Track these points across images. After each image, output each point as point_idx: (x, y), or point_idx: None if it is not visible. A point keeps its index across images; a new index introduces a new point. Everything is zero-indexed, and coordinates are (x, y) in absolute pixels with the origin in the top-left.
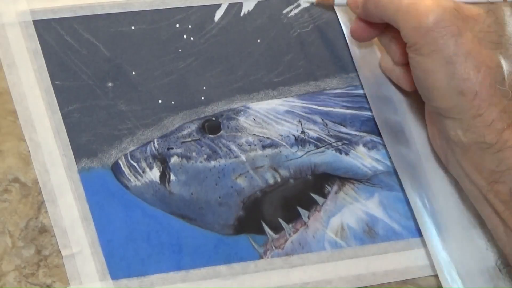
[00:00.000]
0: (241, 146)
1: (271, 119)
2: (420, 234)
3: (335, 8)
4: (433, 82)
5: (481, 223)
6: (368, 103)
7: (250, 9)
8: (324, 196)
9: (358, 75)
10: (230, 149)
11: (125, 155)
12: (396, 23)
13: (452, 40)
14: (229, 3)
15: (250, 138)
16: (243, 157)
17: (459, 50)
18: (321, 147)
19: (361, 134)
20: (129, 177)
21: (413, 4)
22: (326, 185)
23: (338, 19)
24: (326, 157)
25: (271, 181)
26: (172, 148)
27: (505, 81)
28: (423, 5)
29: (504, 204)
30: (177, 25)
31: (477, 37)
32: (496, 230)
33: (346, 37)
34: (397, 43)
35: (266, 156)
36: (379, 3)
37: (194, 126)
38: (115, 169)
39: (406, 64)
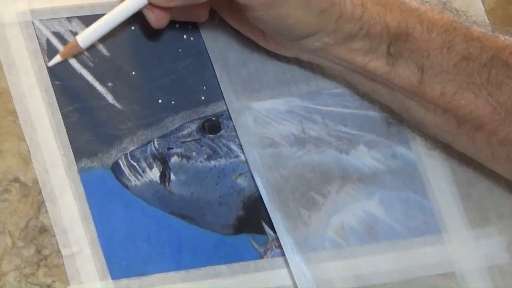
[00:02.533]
0: (241, 145)
1: (272, 118)
2: (420, 233)
3: (203, 38)
4: (294, 20)
5: (482, 223)
6: (369, 102)
7: None
8: (325, 195)
9: None
10: (230, 149)
11: (125, 155)
12: None
13: None
14: None
15: (250, 138)
16: (243, 157)
17: None
18: (322, 146)
19: (362, 133)
20: (129, 177)
21: None
22: (327, 185)
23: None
24: (326, 157)
25: (271, 181)
26: (172, 148)
27: None
28: None
29: (385, 76)
30: (177, 25)
31: None
32: (377, 93)
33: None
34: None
35: (267, 155)
36: None
37: (194, 126)
38: (115, 169)
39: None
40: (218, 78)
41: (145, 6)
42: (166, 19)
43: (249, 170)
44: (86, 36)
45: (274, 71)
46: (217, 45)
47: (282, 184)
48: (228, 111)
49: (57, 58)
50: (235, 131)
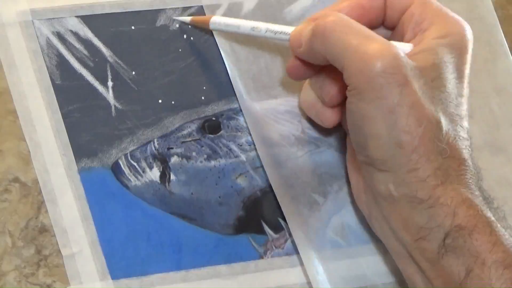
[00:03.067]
0: (241, 146)
1: (272, 118)
2: None
3: (213, 33)
4: (371, 130)
5: None
6: None
7: (251, 9)
8: (325, 195)
9: None
10: (230, 149)
11: (125, 155)
12: (341, 63)
13: (397, 89)
14: (230, 3)
15: (250, 138)
16: (243, 157)
17: (403, 101)
18: (322, 146)
19: None
20: (129, 177)
21: (362, 45)
22: (327, 185)
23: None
24: (326, 157)
25: (271, 180)
26: (172, 148)
27: (443, 139)
28: (373, 48)
29: (430, 262)
30: (177, 25)
31: (421, 89)
32: (413, 281)
33: (225, 61)
34: (331, 84)
35: (267, 155)
36: (327, 40)
37: (194, 126)
38: (115, 168)
39: (335, 106)
40: (229, 74)
41: (286, 40)
42: (298, 71)
43: (250, 169)
44: (219, 22)
45: (284, 67)
46: (227, 40)
47: (283, 183)
48: (230, 111)
49: (186, 18)
50: (236, 131)
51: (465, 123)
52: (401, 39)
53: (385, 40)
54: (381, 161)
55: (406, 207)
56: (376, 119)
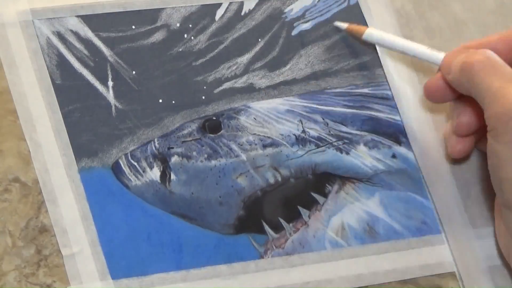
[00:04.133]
0: (241, 145)
1: (272, 118)
2: (420, 233)
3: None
4: (507, 173)
5: (482, 223)
6: (369, 102)
7: (251, 8)
8: (325, 195)
9: (373, 74)
10: (230, 149)
11: (126, 155)
12: (482, 103)
13: None
14: (230, 2)
15: (251, 138)
16: (243, 157)
17: None
18: (322, 146)
19: (362, 133)
20: (130, 177)
21: (503, 88)
22: (327, 185)
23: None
24: (326, 157)
25: (271, 180)
26: (172, 148)
27: None
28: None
29: None
30: (178, 24)
31: None
32: None
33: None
34: (468, 114)
35: (267, 155)
36: (472, 79)
37: (194, 126)
38: (116, 168)
39: (465, 136)
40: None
41: (436, 63)
42: (444, 93)
43: (250, 169)
44: (374, 34)
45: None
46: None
47: (280, 184)
48: (230, 110)
49: (343, 24)
50: (236, 131)
51: None
52: None
53: None
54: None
55: None
56: (510, 162)
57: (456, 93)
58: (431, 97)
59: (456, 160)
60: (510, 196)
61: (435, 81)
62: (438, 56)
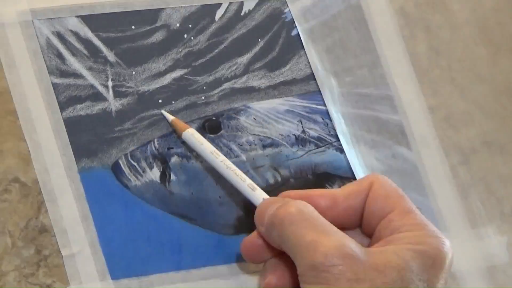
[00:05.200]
0: (241, 145)
1: (272, 118)
2: None
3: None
4: None
5: (482, 223)
6: (369, 102)
7: (251, 8)
8: None
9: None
10: (230, 149)
11: (125, 155)
12: (295, 258)
13: (346, 285)
14: (230, 2)
15: (251, 138)
16: (243, 157)
17: None
18: (322, 146)
19: (362, 133)
20: (129, 177)
21: (315, 242)
22: (327, 185)
23: None
24: (326, 157)
25: (271, 180)
26: (172, 148)
27: None
28: (324, 245)
29: None
30: (178, 25)
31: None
32: None
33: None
34: (283, 271)
35: (267, 155)
36: (282, 232)
37: (194, 126)
38: (115, 168)
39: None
40: (304, 46)
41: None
42: (262, 252)
43: (250, 169)
44: (190, 139)
45: (358, 39)
46: (302, 13)
47: (280, 184)
48: (230, 111)
49: (169, 116)
50: (236, 131)
51: None
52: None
53: (341, 234)
54: None
55: None
56: None
57: (275, 250)
58: (249, 257)
59: (454, 157)
60: None
61: (253, 238)
62: (256, 201)
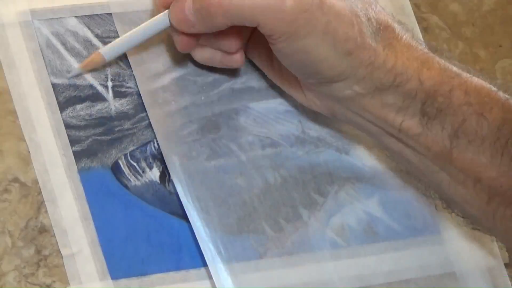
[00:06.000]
0: (241, 145)
1: (271, 118)
2: (420, 233)
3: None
4: (317, 57)
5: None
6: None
7: None
8: (324, 195)
9: None
10: (230, 149)
11: (125, 155)
12: (255, 21)
13: (319, 12)
14: None
15: (250, 138)
16: (243, 157)
17: (330, 16)
18: (321, 146)
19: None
20: (129, 177)
21: None
22: (327, 185)
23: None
24: (326, 157)
25: (271, 180)
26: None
27: (372, 20)
28: None
29: (415, 139)
30: None
31: None
32: (409, 164)
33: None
34: (231, 39)
35: (266, 155)
36: (229, 9)
37: (194, 126)
38: (115, 169)
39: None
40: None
41: (168, 28)
42: (190, 45)
43: (250, 169)
44: (109, 50)
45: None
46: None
47: (280, 184)
48: (230, 111)
49: (77, 70)
50: (236, 131)
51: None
52: None
53: None
54: (337, 75)
55: (376, 97)
56: (316, 47)
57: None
58: (188, 49)
59: None
60: (329, 72)
61: (182, 38)
62: (163, 18)
